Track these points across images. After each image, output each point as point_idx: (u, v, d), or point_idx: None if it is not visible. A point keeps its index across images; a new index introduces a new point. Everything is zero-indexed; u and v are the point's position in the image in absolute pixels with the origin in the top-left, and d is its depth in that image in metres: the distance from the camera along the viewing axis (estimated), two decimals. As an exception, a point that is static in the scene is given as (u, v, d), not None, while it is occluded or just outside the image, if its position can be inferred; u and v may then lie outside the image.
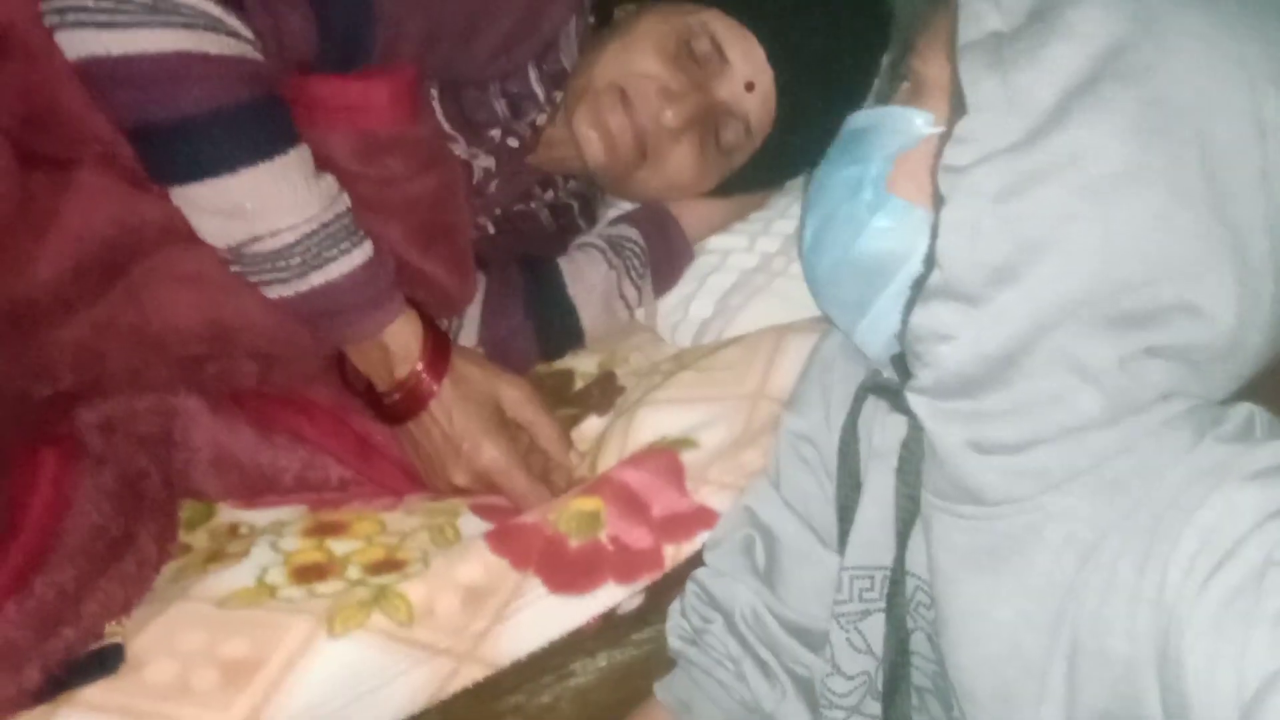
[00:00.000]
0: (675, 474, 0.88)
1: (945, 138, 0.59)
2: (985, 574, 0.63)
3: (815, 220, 0.74)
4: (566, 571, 0.83)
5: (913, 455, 0.66)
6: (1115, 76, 0.55)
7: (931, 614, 0.68)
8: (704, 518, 0.87)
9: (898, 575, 0.69)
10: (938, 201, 0.58)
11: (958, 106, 0.59)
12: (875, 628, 0.73)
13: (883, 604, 0.72)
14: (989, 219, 0.56)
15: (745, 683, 0.80)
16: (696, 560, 0.87)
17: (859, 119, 0.74)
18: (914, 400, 0.62)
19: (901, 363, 0.69)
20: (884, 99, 0.77)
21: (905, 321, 0.63)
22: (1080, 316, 0.56)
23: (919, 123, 0.68)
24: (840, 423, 0.78)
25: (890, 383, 0.70)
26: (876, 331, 0.71)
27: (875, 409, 0.75)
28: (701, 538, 0.86)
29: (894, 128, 0.70)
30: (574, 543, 0.84)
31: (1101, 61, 0.56)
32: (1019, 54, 0.57)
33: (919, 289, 0.62)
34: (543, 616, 0.82)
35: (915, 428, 0.65)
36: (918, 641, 0.71)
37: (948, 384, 0.60)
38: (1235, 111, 0.56)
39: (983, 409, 0.59)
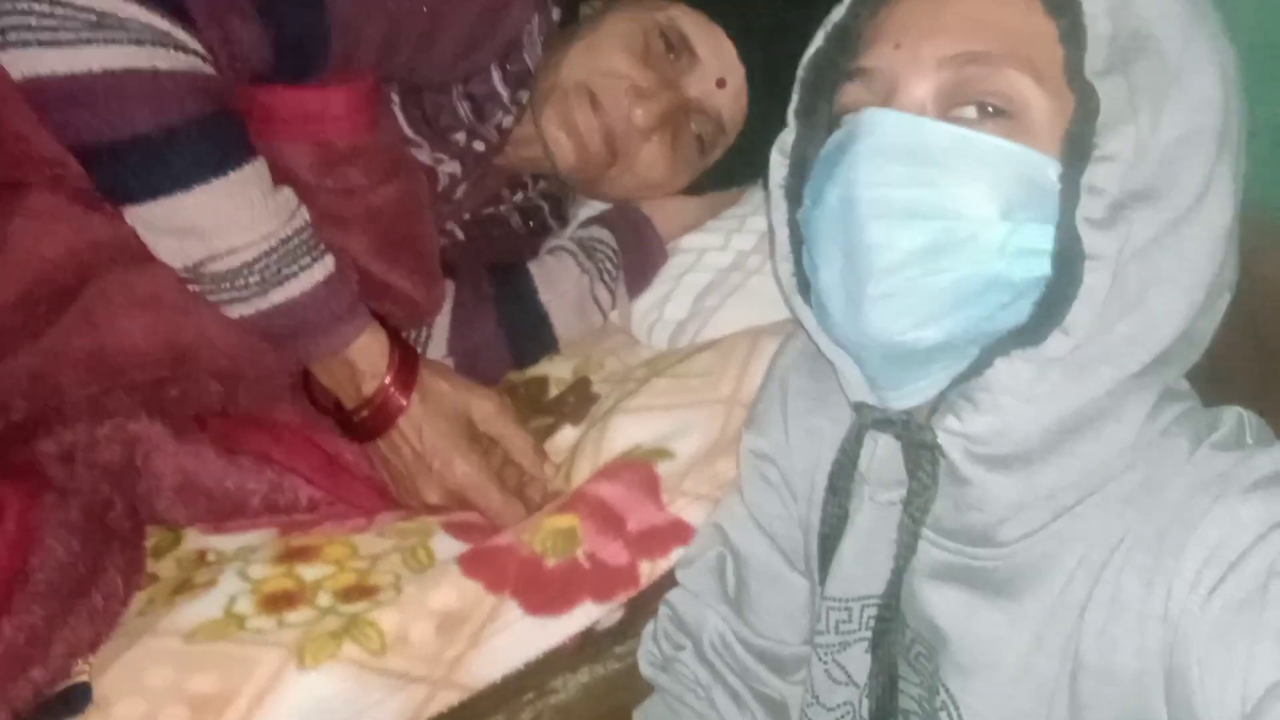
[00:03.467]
0: (650, 486, 0.87)
1: (1067, 180, 0.57)
2: (1003, 600, 0.63)
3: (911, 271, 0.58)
4: (543, 592, 0.82)
5: (926, 490, 0.63)
6: (1225, 140, 0.58)
7: (909, 636, 0.68)
8: (679, 532, 0.85)
9: (889, 611, 0.67)
10: (1066, 254, 0.56)
11: (1078, 148, 0.56)
12: (854, 658, 0.72)
13: (862, 634, 0.71)
14: (1116, 284, 0.56)
15: (716, 710, 0.79)
16: (674, 574, 0.86)
17: (932, 134, 0.58)
18: (949, 442, 0.60)
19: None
20: (819, 88, 0.69)
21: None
22: (1144, 374, 0.58)
23: (1052, 175, 0.57)
24: (798, 439, 0.77)
25: (894, 415, 0.65)
26: (918, 388, 0.64)
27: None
28: (676, 553, 0.85)
29: (1039, 183, 0.57)
30: (551, 562, 0.82)
31: (1211, 115, 0.57)
32: (1143, 93, 0.55)
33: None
34: (520, 639, 0.81)
35: (929, 463, 0.62)
36: (899, 666, 0.70)
37: (1006, 436, 0.59)
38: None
39: (1030, 462, 0.59)
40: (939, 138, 0.58)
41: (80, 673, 0.74)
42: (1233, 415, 0.62)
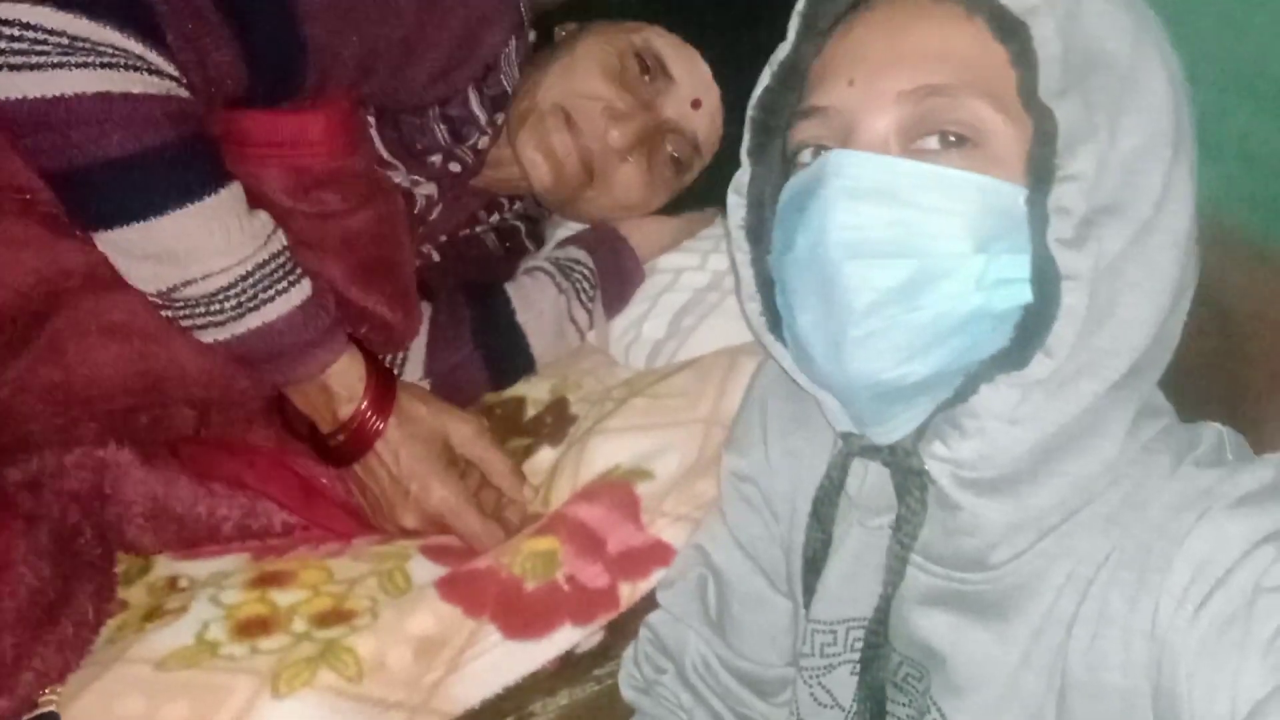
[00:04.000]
0: (630, 507, 0.86)
1: (1034, 204, 0.57)
2: (993, 621, 0.63)
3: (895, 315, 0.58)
4: (523, 615, 0.81)
5: (915, 516, 0.63)
6: (1180, 143, 0.58)
7: (895, 659, 0.67)
8: (659, 553, 0.85)
9: (877, 638, 0.67)
10: (1042, 277, 0.56)
11: (1041, 171, 0.56)
12: (839, 681, 0.72)
13: (847, 657, 0.71)
14: (1091, 301, 0.56)
15: None
16: (654, 595, 0.85)
17: (900, 172, 0.58)
18: (937, 468, 0.60)
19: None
20: (776, 107, 0.68)
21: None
22: (1122, 386, 0.58)
23: (1021, 202, 0.57)
24: (779, 460, 0.77)
25: (880, 443, 0.65)
26: (904, 421, 0.63)
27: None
28: (657, 575, 0.85)
29: (1010, 212, 0.57)
30: (530, 585, 0.82)
31: (1164, 121, 0.57)
32: (1099, 108, 0.55)
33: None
34: (499, 663, 0.80)
35: (917, 489, 0.62)
36: (887, 690, 0.69)
37: (993, 459, 0.59)
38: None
39: (1019, 483, 0.59)
40: (907, 175, 0.57)
41: (48, 702, 0.73)
42: (1212, 432, 0.63)
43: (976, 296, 0.57)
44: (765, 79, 0.68)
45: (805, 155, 0.63)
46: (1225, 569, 0.55)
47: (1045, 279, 0.56)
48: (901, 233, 0.57)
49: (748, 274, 0.70)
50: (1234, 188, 0.85)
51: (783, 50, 0.67)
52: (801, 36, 0.66)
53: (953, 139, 0.58)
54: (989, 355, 0.59)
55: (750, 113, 0.69)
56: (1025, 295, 0.57)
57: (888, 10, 0.61)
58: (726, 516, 0.82)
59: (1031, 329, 0.57)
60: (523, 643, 0.80)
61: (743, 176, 0.70)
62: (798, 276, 0.61)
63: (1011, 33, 0.57)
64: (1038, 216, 0.56)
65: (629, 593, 0.84)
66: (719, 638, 0.81)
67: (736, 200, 0.70)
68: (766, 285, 0.68)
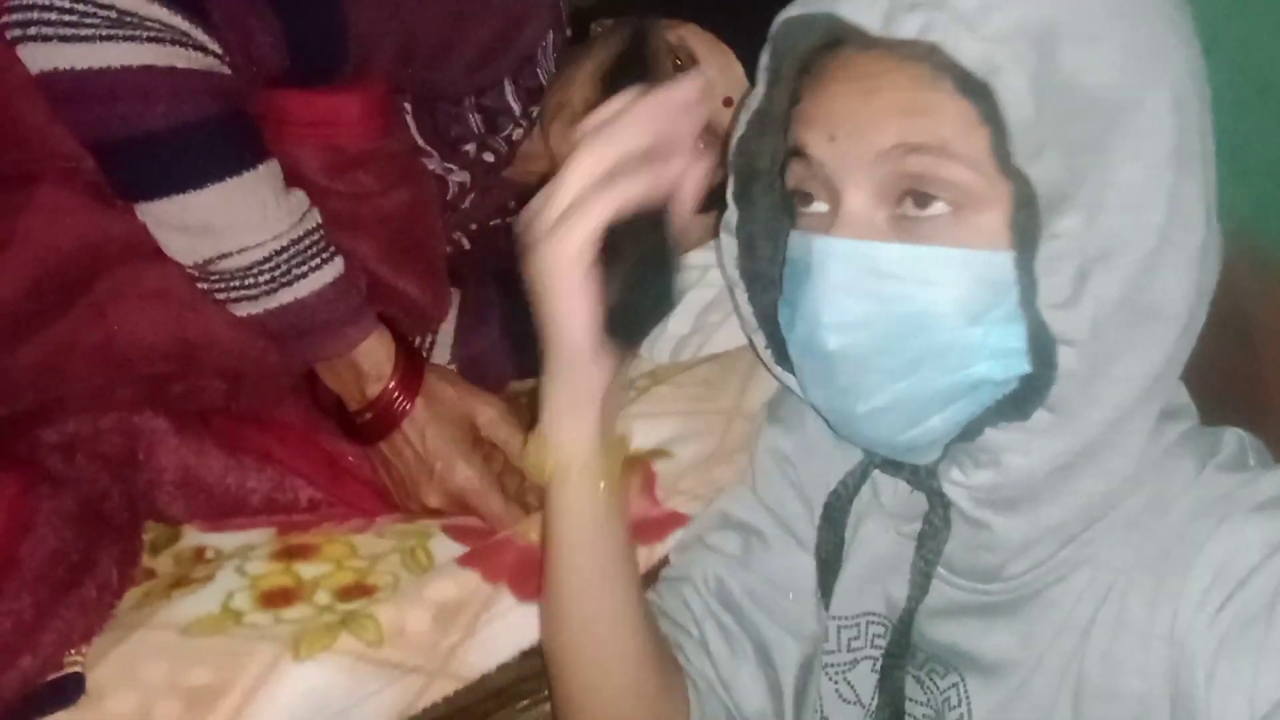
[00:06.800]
0: (647, 482, 0.86)
1: (1022, 266, 0.55)
2: (1015, 624, 0.63)
3: (908, 380, 0.59)
4: (537, 579, 0.80)
5: (939, 532, 0.63)
6: (1184, 159, 0.55)
7: (921, 657, 0.67)
8: (675, 520, 0.85)
9: (899, 647, 0.67)
10: (1039, 339, 0.56)
11: (1025, 233, 0.55)
12: (861, 676, 0.71)
13: (870, 652, 0.71)
14: (1092, 358, 0.55)
15: (706, 648, 0.76)
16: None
17: (885, 260, 0.58)
18: (955, 492, 0.61)
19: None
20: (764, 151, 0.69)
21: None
22: (1138, 404, 0.58)
23: (1010, 268, 0.56)
24: (821, 442, 0.76)
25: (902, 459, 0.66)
26: (922, 455, 0.64)
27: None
28: (674, 537, 0.84)
29: (1000, 281, 0.56)
30: (546, 549, 0.82)
31: (1163, 141, 0.55)
32: (1084, 153, 0.53)
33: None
34: (514, 626, 0.80)
35: (940, 506, 0.63)
36: (908, 686, 0.69)
37: (1006, 487, 0.59)
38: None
39: (1037, 501, 0.59)
40: (893, 262, 0.57)
41: (73, 664, 0.74)
42: (1234, 437, 0.63)
43: (981, 367, 0.58)
44: (741, 127, 0.68)
45: (800, 238, 0.63)
46: (1245, 572, 0.55)
47: (1042, 341, 0.56)
48: (895, 316, 0.58)
49: (747, 311, 0.71)
50: (1259, 199, 0.84)
51: (755, 99, 0.67)
52: (770, 85, 0.66)
53: (934, 201, 0.57)
54: (994, 401, 0.60)
55: (731, 158, 0.69)
56: (1025, 366, 0.58)
57: (856, 68, 0.59)
58: (757, 487, 0.80)
59: (1035, 384, 0.57)
60: (536, 605, 0.80)
61: (731, 218, 0.71)
62: (801, 356, 0.64)
63: (979, 93, 0.54)
64: (1027, 279, 0.55)
65: (646, 555, 0.83)
66: (741, 568, 0.78)
67: (728, 240, 0.71)
68: (769, 319, 0.69)
